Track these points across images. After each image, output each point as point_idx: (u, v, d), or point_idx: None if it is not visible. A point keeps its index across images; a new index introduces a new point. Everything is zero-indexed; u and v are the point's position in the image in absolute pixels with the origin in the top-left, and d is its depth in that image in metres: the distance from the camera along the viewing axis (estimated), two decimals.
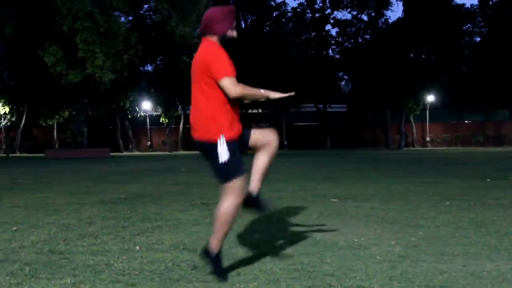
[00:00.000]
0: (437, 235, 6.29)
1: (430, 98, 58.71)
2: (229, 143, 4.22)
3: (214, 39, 4.30)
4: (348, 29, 62.29)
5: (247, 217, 7.67)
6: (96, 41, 34.42)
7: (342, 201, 9.51)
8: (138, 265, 4.95)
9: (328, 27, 66.37)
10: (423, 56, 60.72)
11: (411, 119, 60.87)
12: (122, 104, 53.22)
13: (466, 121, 63.90)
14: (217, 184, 4.49)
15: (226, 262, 4.94)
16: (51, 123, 57.42)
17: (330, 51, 64.02)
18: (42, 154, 43.91)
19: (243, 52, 54.41)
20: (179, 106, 59.57)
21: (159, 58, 55.48)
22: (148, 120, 61.25)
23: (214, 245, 4.36)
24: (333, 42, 64.12)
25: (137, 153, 56.40)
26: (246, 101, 4.44)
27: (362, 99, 58.75)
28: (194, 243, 5.95)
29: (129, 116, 60.46)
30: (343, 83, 70.82)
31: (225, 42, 4.30)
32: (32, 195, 11.01)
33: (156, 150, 61.14)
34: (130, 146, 59.96)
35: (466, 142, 61.97)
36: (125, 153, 54.25)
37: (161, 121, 59.58)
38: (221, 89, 4.16)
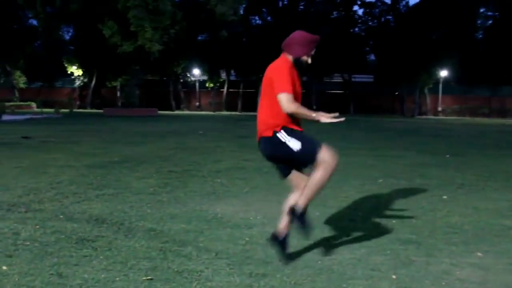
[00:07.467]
0: (331, 215, 5.90)
1: (444, 73, 57.29)
2: (289, 130, 4.04)
3: (289, 58, 4.19)
4: (372, 10, 61.12)
5: (144, 200, 7.38)
6: (146, 17, 34.67)
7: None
8: (40, 235, 4.76)
9: (355, 7, 65.09)
10: (438, 36, 58.90)
11: (426, 91, 59.72)
12: (175, 70, 54.01)
13: (475, 95, 62.09)
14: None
15: (113, 242, 4.75)
16: (115, 85, 58.41)
17: (356, 29, 62.99)
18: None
19: (281, 28, 53.68)
20: (224, 73, 59.91)
21: (205, 32, 55.61)
22: (197, 84, 61.55)
23: (301, 203, 4.06)
24: (359, 21, 63.22)
25: (186, 112, 57.04)
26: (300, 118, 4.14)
27: (384, 72, 57.63)
28: (112, 214, 5.71)
29: (181, 80, 60.82)
30: (371, 56, 69.13)
31: (298, 64, 4.19)
32: (43, 155, 10.99)
33: (203, 110, 61.49)
34: (182, 106, 60.82)
35: (473, 113, 60.45)
36: (175, 112, 54.77)
37: (206, 85, 60.11)
38: (278, 102, 4.01)
